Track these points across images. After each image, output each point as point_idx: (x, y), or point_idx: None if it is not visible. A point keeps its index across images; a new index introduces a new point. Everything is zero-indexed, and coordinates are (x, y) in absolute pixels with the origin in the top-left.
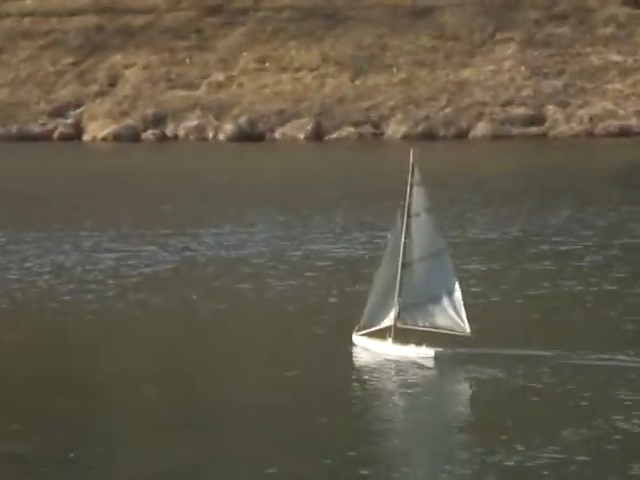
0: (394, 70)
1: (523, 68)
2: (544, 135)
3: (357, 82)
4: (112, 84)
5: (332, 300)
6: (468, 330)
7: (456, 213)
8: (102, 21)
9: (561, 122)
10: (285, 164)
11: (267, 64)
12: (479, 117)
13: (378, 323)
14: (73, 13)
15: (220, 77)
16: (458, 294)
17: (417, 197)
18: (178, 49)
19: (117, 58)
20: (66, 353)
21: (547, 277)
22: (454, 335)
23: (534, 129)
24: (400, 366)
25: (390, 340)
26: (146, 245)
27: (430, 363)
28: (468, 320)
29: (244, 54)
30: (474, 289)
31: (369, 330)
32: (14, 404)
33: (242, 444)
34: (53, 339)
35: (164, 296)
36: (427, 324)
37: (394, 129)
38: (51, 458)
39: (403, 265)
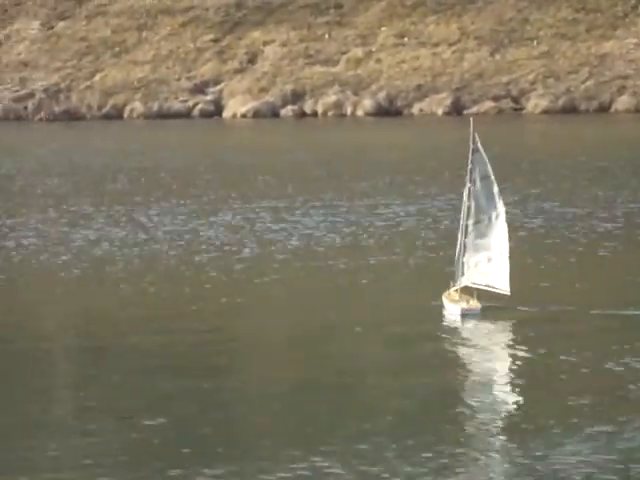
0: (534, 43)
1: None
2: None
3: (497, 56)
4: (251, 61)
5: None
6: (508, 289)
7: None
8: None
9: None
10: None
11: (406, 39)
12: (621, 91)
13: (455, 283)
14: None
15: (359, 53)
16: (505, 256)
17: (477, 164)
18: (317, 25)
19: (256, 35)
20: None
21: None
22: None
23: None
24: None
25: (458, 299)
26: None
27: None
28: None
29: (383, 29)
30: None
31: (451, 290)
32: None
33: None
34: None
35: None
36: (481, 282)
37: (534, 103)
38: None
39: (465, 227)
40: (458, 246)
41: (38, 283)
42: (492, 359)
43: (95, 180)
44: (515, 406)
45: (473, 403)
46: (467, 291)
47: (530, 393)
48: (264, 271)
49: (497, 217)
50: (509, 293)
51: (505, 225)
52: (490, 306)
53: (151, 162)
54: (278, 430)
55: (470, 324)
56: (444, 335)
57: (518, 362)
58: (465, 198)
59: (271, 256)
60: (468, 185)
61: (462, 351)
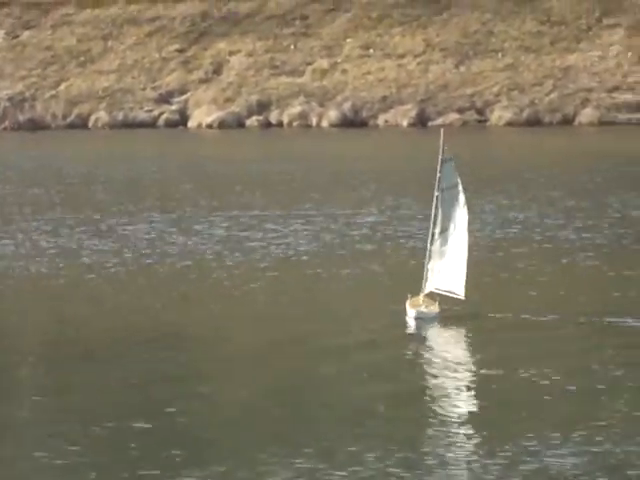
0: (499, 56)
1: (630, 54)
2: None
3: (462, 68)
4: (217, 71)
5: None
6: (463, 294)
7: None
8: (207, 8)
9: None
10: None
11: (371, 50)
12: (585, 103)
13: (423, 289)
14: (179, 0)
15: (324, 64)
16: (464, 262)
17: (446, 174)
18: (282, 36)
19: (222, 45)
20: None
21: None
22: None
23: None
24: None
25: (420, 304)
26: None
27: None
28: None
29: (348, 40)
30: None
31: (420, 295)
32: None
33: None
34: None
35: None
36: (443, 288)
37: (498, 115)
38: None
39: (433, 234)
40: (427, 253)
41: (14, 292)
42: (446, 364)
43: (71, 189)
44: (474, 411)
45: (433, 408)
46: (431, 296)
47: (485, 397)
48: (240, 280)
49: (462, 225)
50: (464, 297)
51: (467, 233)
52: (448, 309)
53: (124, 172)
54: (249, 435)
55: (430, 329)
56: (402, 340)
57: (473, 368)
58: (433, 206)
59: (248, 265)
60: (436, 194)
61: (418, 356)
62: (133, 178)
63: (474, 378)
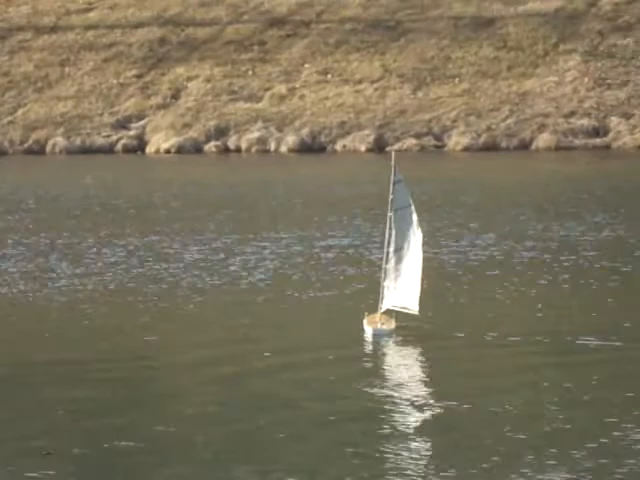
0: (456, 81)
1: (586, 79)
2: (607, 147)
3: (419, 94)
4: (175, 96)
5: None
6: (417, 309)
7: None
8: (165, 33)
9: (624, 133)
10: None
11: (329, 76)
12: (542, 128)
13: (380, 307)
14: (136, 26)
15: (282, 89)
16: (418, 279)
17: (398, 194)
18: (240, 61)
19: (180, 70)
20: None
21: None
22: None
23: (597, 140)
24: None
25: (377, 321)
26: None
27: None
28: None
29: (306, 66)
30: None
31: (377, 313)
32: None
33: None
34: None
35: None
36: (398, 304)
37: (455, 141)
38: None
39: (387, 253)
40: (382, 272)
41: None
42: (401, 379)
43: (36, 215)
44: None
45: (389, 422)
46: (388, 313)
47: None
48: (201, 303)
49: (415, 244)
50: (418, 313)
51: (421, 251)
52: (406, 326)
53: (88, 197)
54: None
55: (385, 345)
56: (360, 357)
57: (425, 382)
58: (387, 227)
59: (211, 288)
60: (389, 214)
61: (372, 372)
62: (89, 204)
63: (428, 394)
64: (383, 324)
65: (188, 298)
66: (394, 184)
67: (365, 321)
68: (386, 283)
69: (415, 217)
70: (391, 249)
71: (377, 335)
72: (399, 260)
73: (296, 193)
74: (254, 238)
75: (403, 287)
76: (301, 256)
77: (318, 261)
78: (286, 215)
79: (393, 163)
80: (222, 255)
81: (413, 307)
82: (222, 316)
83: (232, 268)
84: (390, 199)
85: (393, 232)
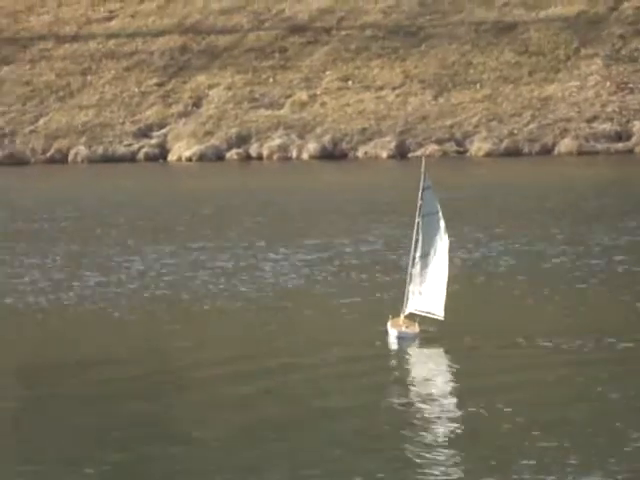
0: (477, 87)
1: (608, 83)
2: (630, 151)
3: (440, 99)
4: (196, 104)
5: None
6: (442, 315)
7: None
8: (186, 41)
9: None
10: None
11: (350, 83)
12: (564, 133)
13: (403, 310)
14: (157, 34)
15: (303, 96)
16: (444, 285)
17: (427, 200)
18: (262, 69)
19: (201, 78)
20: None
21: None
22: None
23: (620, 145)
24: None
25: (401, 324)
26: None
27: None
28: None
29: (327, 73)
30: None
31: (401, 316)
32: None
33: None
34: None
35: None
36: (422, 309)
37: (477, 146)
38: None
39: (414, 258)
40: (407, 276)
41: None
42: (424, 381)
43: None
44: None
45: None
46: (411, 317)
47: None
48: (222, 308)
49: (442, 250)
50: (443, 318)
51: (447, 257)
52: (430, 331)
53: (108, 206)
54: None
55: (410, 348)
56: (384, 359)
57: (449, 385)
58: (415, 232)
59: (237, 292)
60: (417, 220)
61: (398, 373)
62: (116, 212)
63: (451, 400)
64: (407, 327)
65: (217, 305)
66: (423, 190)
67: (389, 324)
68: (411, 287)
69: (443, 223)
70: (418, 254)
71: (401, 338)
72: (425, 265)
73: (320, 200)
74: (283, 245)
75: (428, 292)
76: (329, 263)
77: (345, 267)
78: (312, 222)
79: (423, 169)
80: (251, 262)
81: (438, 312)
82: (254, 321)
83: (261, 274)
84: (419, 205)
85: (420, 237)
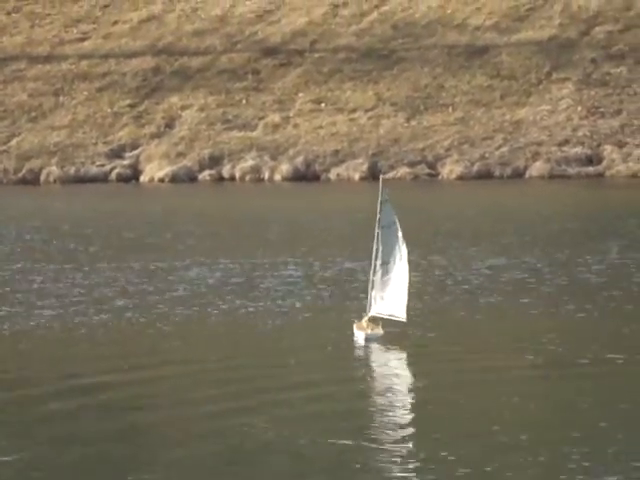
0: (450, 110)
1: (580, 107)
2: (601, 175)
3: (413, 122)
4: (169, 125)
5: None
6: (405, 317)
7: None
8: (159, 63)
9: (618, 162)
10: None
11: (323, 105)
12: (535, 157)
13: (366, 314)
14: (130, 55)
15: (276, 118)
16: (405, 290)
17: (385, 213)
18: (234, 90)
19: (174, 99)
20: None
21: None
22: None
23: (590, 169)
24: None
25: (366, 326)
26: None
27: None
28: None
29: (300, 95)
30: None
31: (364, 319)
32: None
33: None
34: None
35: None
36: (385, 312)
37: (449, 169)
38: None
39: (375, 266)
40: (369, 283)
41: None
42: (390, 376)
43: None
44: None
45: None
46: (374, 320)
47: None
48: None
49: (401, 258)
50: (405, 320)
51: (407, 264)
52: (392, 332)
53: (91, 227)
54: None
55: (374, 347)
56: (351, 357)
57: (412, 380)
58: (375, 242)
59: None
60: (377, 231)
61: (364, 370)
62: (88, 231)
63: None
64: (372, 329)
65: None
66: (381, 203)
67: (355, 327)
68: (373, 293)
69: (400, 234)
70: (378, 262)
71: (368, 339)
72: (386, 272)
73: (291, 221)
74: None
75: (390, 297)
76: (295, 276)
77: (311, 282)
78: (284, 243)
79: (380, 185)
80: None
81: (401, 315)
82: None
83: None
84: (378, 217)
85: (380, 247)
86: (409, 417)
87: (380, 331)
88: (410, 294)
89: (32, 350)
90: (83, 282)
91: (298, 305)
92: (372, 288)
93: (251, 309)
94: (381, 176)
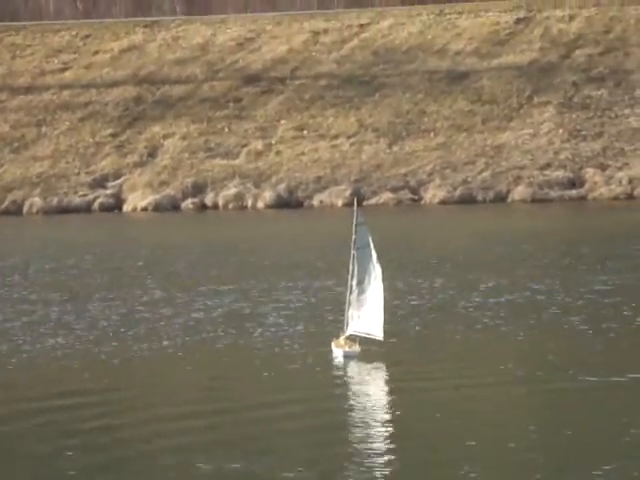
0: (431, 135)
1: (561, 131)
2: (583, 198)
3: (395, 148)
4: (151, 154)
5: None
6: (382, 336)
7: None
8: (140, 92)
9: (600, 185)
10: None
11: (305, 132)
12: (517, 181)
13: (344, 332)
14: (112, 85)
15: (258, 145)
16: (381, 309)
17: (360, 234)
18: (216, 118)
19: (156, 128)
20: None
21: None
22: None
23: (573, 192)
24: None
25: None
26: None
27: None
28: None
29: (282, 122)
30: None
31: (340, 338)
32: None
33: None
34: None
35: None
36: (362, 331)
37: (432, 194)
38: None
39: (351, 286)
40: (346, 302)
41: None
42: (368, 393)
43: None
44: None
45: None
46: (352, 338)
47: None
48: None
49: (375, 278)
50: (382, 339)
51: (381, 284)
52: (369, 350)
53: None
54: None
55: (352, 364)
56: (330, 374)
57: (390, 397)
58: (350, 263)
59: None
60: (352, 252)
61: (344, 387)
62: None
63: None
64: (350, 347)
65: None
66: (356, 225)
67: (333, 345)
68: (350, 312)
69: (374, 255)
70: (354, 282)
71: (346, 357)
72: (361, 292)
73: (275, 248)
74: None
75: (366, 315)
76: (276, 302)
77: (293, 303)
78: (270, 268)
79: (355, 208)
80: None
81: (378, 333)
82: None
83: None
84: (353, 239)
85: (356, 267)
86: (385, 433)
87: (357, 349)
88: (387, 314)
89: None
90: (60, 317)
91: (279, 323)
92: (349, 307)
93: (230, 330)
94: (355, 199)
